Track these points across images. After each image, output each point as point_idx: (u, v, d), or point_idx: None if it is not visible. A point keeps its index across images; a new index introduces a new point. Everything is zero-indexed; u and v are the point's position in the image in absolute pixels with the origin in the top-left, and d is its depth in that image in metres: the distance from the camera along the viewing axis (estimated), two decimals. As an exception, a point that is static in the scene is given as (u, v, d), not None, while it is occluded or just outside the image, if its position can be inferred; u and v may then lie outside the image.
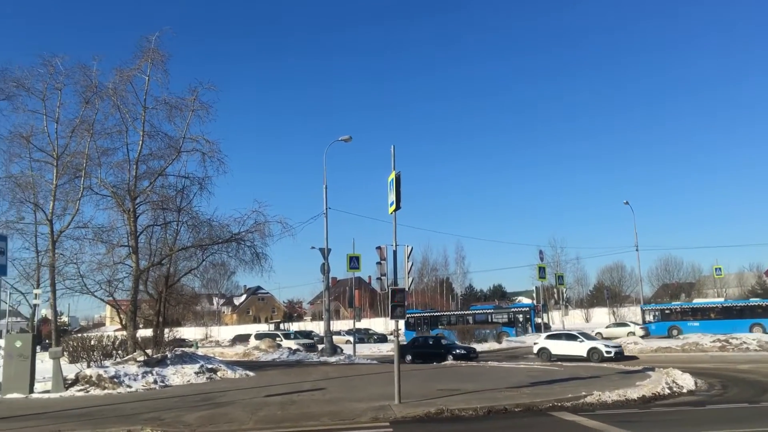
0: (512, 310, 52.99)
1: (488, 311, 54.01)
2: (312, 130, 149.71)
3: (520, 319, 49.66)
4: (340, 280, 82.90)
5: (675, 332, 43.83)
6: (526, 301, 76.82)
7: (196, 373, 20.74)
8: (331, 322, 36.11)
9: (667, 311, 47.71)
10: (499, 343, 44.08)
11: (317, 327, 65.04)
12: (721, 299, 49.25)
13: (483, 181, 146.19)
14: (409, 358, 31.01)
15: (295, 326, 67.91)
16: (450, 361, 29.62)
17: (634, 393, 14.37)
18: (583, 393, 14.11)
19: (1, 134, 23.23)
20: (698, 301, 49.59)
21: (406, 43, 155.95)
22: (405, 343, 34.97)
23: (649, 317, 47.95)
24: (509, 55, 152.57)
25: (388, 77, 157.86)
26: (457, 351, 31.29)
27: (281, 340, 39.02)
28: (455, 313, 56.27)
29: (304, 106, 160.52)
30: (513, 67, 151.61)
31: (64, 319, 71.10)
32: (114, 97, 23.83)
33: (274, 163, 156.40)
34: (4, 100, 22.61)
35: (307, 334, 56.22)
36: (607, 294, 71.80)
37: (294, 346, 35.18)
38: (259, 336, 38.92)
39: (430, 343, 32.86)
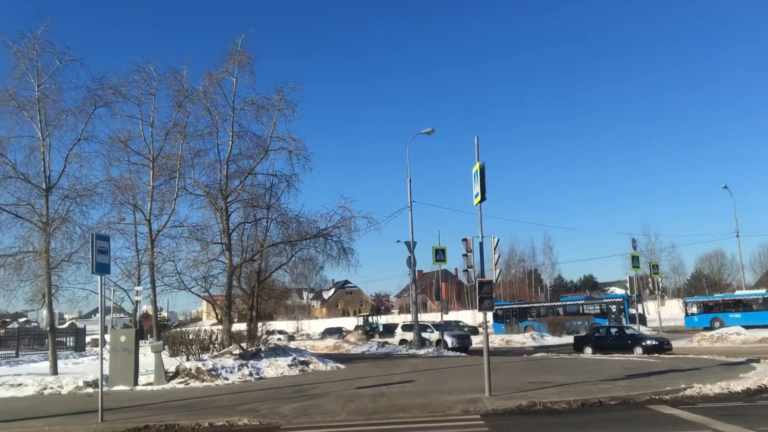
0: (605, 300, 51.49)
1: (579, 302, 52.70)
2: (393, 122, 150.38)
3: (614, 310, 48.19)
4: (426, 273, 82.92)
5: (717, 324, 42.96)
6: (619, 291, 74.44)
7: (289, 366, 21.27)
8: (419, 314, 36.19)
9: (710, 303, 47.35)
10: (592, 335, 42.95)
11: (405, 320, 65.33)
12: (764, 290, 47.18)
13: (570, 168, 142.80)
14: (589, 351, 28.56)
15: (383, 319, 68.44)
16: (638, 353, 26.56)
17: (737, 385, 13.66)
18: (683, 385, 13.54)
19: (101, 139, 24.51)
20: (740, 293, 47.76)
21: (484, 26, 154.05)
22: (582, 334, 33.92)
23: (692, 309, 47.71)
24: (588, 36, 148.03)
25: (465, 63, 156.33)
26: (648, 342, 27.52)
27: (432, 332, 36.90)
28: (544, 304, 55.26)
29: (384, 98, 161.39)
30: (595, 47, 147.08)
31: (164, 314, 74.40)
32: (204, 100, 24.80)
33: (357, 156, 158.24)
34: (102, 107, 23.84)
35: (396, 328, 56.67)
36: (706, 283, 68.61)
37: (450, 341, 34.23)
38: (406, 327, 37.63)
39: (614, 333, 29.63)
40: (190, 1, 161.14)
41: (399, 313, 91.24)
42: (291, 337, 60.61)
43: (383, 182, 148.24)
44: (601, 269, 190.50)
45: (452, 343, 34.09)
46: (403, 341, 36.28)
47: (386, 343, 36.78)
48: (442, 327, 36.15)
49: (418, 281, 43.48)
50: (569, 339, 37.26)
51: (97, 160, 24.55)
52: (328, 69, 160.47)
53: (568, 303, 53.24)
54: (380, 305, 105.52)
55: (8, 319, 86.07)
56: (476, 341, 37.44)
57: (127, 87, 24.80)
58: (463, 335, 37.57)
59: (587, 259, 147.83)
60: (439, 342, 34.33)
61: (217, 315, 27.93)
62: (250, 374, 19.75)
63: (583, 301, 52.85)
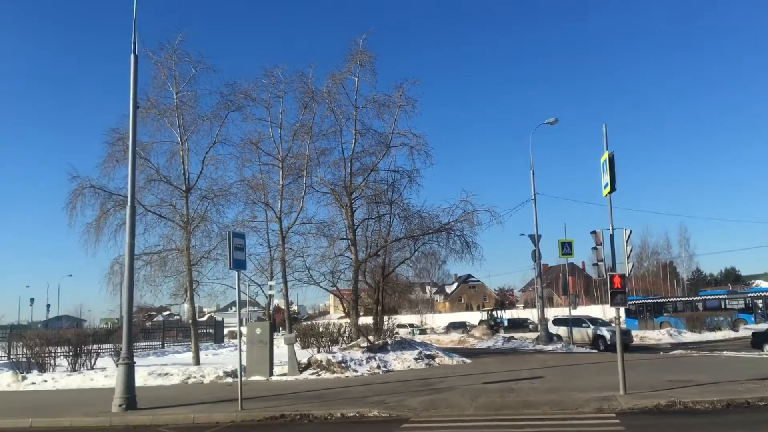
0: (750, 295, 47.90)
1: (721, 296, 49.33)
2: (514, 115, 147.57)
3: (760, 305, 44.77)
4: (552, 267, 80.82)
5: None
6: (765, 285, 69.13)
7: (415, 359, 21.47)
8: (545, 309, 35.35)
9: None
10: (735, 331, 40.11)
11: (530, 315, 64.11)
12: None
13: (705, 154, 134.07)
14: None
15: (507, 314, 67.50)
16: None
17: None
18: None
19: (235, 142, 25.76)
20: None
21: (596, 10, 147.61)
22: (764, 329, 30.16)
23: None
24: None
25: (587, 50, 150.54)
26: None
27: (587, 327, 34.59)
28: (682, 299, 52.23)
29: (501, 89, 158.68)
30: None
31: (294, 307, 77.32)
32: (328, 100, 25.55)
33: (477, 149, 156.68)
34: (235, 111, 25.05)
35: (522, 323, 55.65)
36: None
37: (608, 336, 31.69)
38: (559, 322, 35.77)
39: None
40: (312, 3, 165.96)
41: (524, 307, 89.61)
42: (423, 331, 61.23)
43: (506, 175, 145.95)
44: (744, 261, 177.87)
45: (611, 339, 31.49)
46: (556, 337, 33.89)
47: (512, 338, 36.23)
48: (598, 322, 33.67)
49: (544, 275, 42.50)
50: (710, 336, 35.12)
51: (231, 162, 25.86)
52: (441, 62, 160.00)
53: (708, 297, 49.98)
54: (504, 299, 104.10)
55: (153, 312, 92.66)
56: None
57: (257, 91, 25.93)
58: (624, 330, 34.51)
59: (729, 251, 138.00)
60: (598, 338, 31.53)
61: (344, 309, 28.66)
62: (378, 367, 20.12)
63: (725, 296, 49.43)
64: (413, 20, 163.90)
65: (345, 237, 26.07)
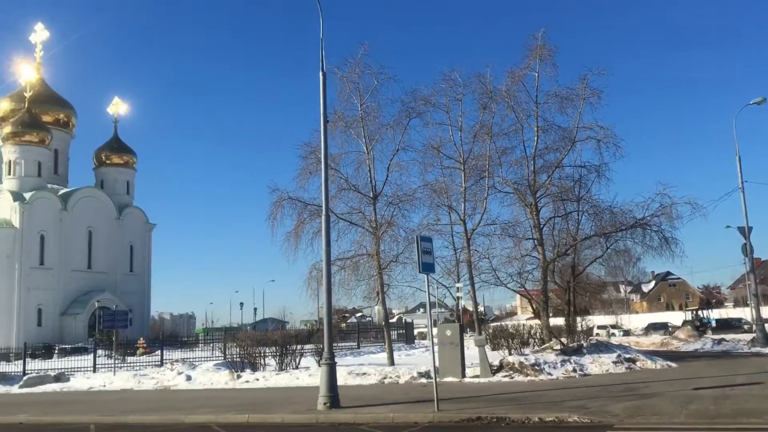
0: None
1: None
2: (713, 96, 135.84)
3: None
4: (765, 261, 73.25)
5: None
6: None
7: (614, 363, 20.44)
8: (761, 307, 32.09)
9: None
10: None
11: (742, 314, 58.69)
12: None
13: None
14: None
15: (714, 313, 62.16)
16: None
17: None
18: None
19: (416, 148, 26.29)
20: None
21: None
22: None
23: None
24: None
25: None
26: None
27: None
28: None
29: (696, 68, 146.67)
30: None
31: (480, 309, 77.15)
32: (508, 99, 25.26)
33: (671, 137, 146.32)
34: (416, 118, 25.58)
35: (733, 323, 51.21)
36: None
37: None
38: None
39: None
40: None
41: (734, 306, 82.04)
42: (626, 332, 58.54)
43: (705, 164, 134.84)
44: None
45: None
46: None
47: (723, 339, 33.29)
48: None
49: (758, 270, 38.63)
50: None
51: (414, 168, 26.43)
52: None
53: None
54: (710, 298, 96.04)
55: (347, 314, 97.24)
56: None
57: (436, 96, 26.26)
58: None
59: None
60: None
61: (533, 310, 28.10)
62: (574, 370, 19.42)
63: None
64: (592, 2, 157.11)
65: (531, 237, 25.58)
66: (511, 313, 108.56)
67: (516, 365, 19.51)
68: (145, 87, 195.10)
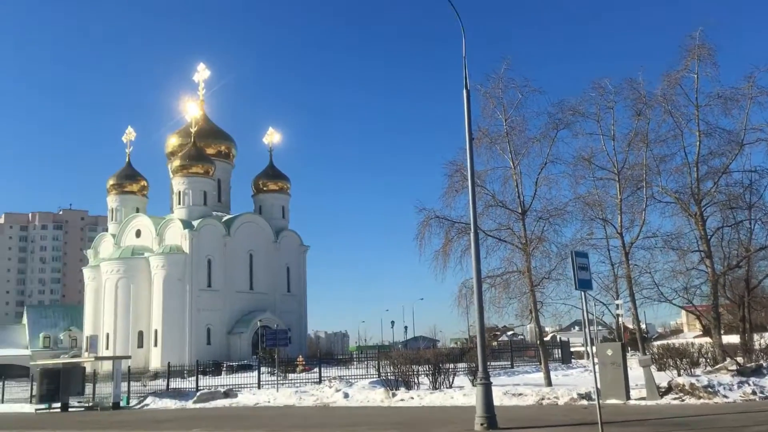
0: None
1: None
2: None
3: None
4: None
5: None
6: None
7: (802, 385, 18.45)
8: None
9: None
10: None
11: None
12: None
13: None
14: None
15: None
16: None
17: None
18: None
19: (566, 160, 25.41)
20: None
21: None
22: None
23: None
24: None
25: None
26: None
27: None
28: None
29: None
30: None
31: (642, 326, 73.03)
32: (664, 103, 23.85)
33: None
34: (564, 129, 24.77)
35: None
36: None
37: None
38: None
39: None
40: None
41: None
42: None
43: None
44: None
45: None
46: None
47: None
48: None
49: None
50: None
51: (564, 180, 25.55)
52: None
53: None
54: None
55: (498, 332, 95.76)
56: None
57: (585, 105, 25.29)
58: None
59: None
60: None
61: (702, 327, 26.14)
62: (753, 393, 17.73)
63: None
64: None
65: (697, 249, 23.86)
66: (677, 331, 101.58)
67: (686, 387, 18.16)
68: (295, 117, 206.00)
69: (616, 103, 25.36)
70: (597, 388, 13.94)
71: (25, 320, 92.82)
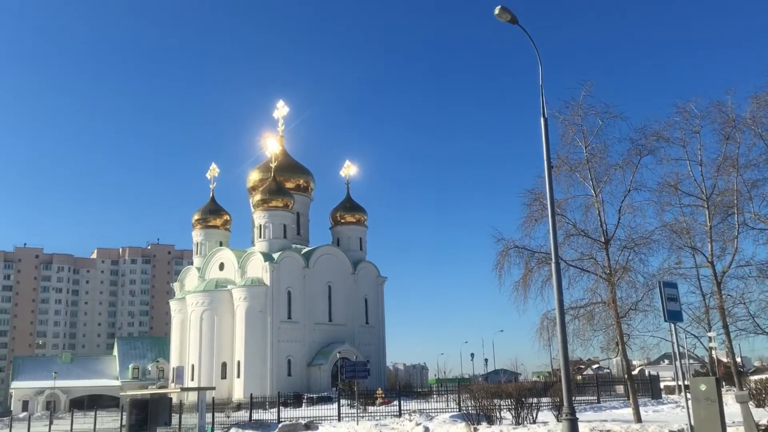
0: None
1: None
2: None
3: None
4: None
5: None
6: None
7: None
8: None
9: None
10: None
11: None
12: None
13: None
14: None
15: None
16: None
17: None
18: None
19: (650, 187, 24.59)
20: None
21: None
22: None
23: None
24: None
25: None
26: None
27: None
28: None
29: None
30: None
31: (738, 360, 69.21)
32: (754, 126, 22.86)
33: None
34: (647, 155, 24.05)
35: None
36: None
37: None
38: None
39: None
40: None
41: None
42: None
43: None
44: None
45: None
46: None
47: None
48: None
49: None
50: None
51: (649, 208, 24.69)
52: None
53: None
54: None
55: (583, 366, 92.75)
56: None
57: (669, 130, 24.52)
58: None
59: None
60: None
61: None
62: None
63: None
64: None
65: (795, 277, 22.52)
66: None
67: (792, 425, 17.05)
68: (371, 149, 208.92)
69: (703, 128, 24.47)
70: (691, 425, 13.28)
71: (115, 351, 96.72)
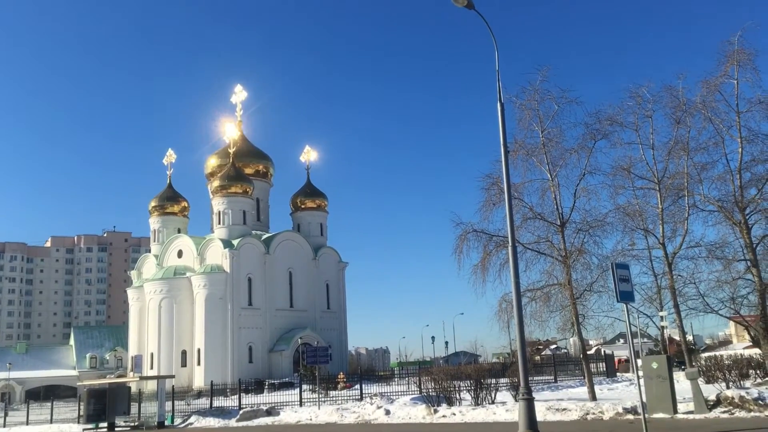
0: None
1: None
2: None
3: None
4: None
5: None
6: None
7: None
8: None
9: None
10: None
11: None
12: None
13: None
14: None
15: None
16: None
17: None
18: None
19: (604, 170, 25.13)
20: None
21: None
22: None
23: None
24: None
25: None
26: None
27: None
28: None
29: None
30: None
31: (689, 338, 71.27)
32: (704, 110, 23.49)
33: None
34: (601, 140, 24.52)
35: None
36: None
37: None
38: None
39: None
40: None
41: None
42: None
43: None
44: None
45: None
46: None
47: None
48: None
49: None
50: None
51: (603, 191, 25.24)
52: None
53: None
54: None
55: (540, 347, 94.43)
56: None
57: (623, 115, 25.07)
58: None
59: None
60: None
61: (752, 337, 25.39)
62: (807, 406, 17.19)
63: None
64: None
65: (743, 258, 23.29)
66: (725, 342, 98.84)
67: (736, 400, 17.70)
68: (331, 135, 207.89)
69: (655, 112, 25.07)
70: (643, 402, 13.71)
71: (72, 341, 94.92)
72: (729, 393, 18.30)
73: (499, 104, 16.06)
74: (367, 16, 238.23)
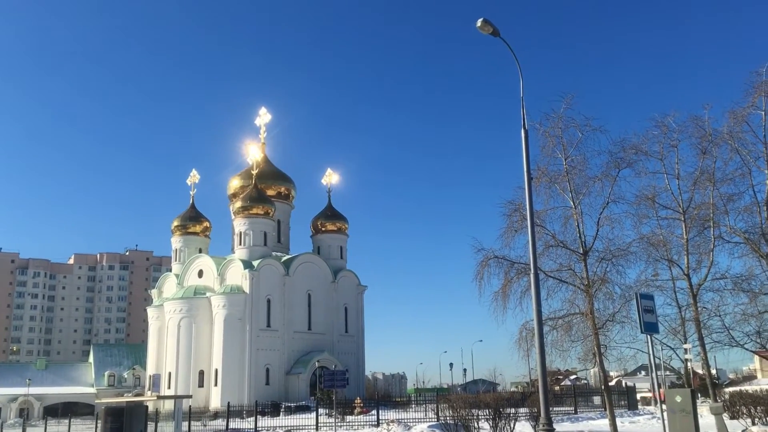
0: None
1: None
2: None
3: None
4: None
5: None
6: None
7: None
8: None
9: None
10: None
11: None
12: None
13: None
14: None
15: None
16: None
17: None
18: None
19: (629, 199, 24.83)
20: None
21: None
22: None
23: None
24: None
25: None
26: None
27: None
28: None
29: None
30: None
31: (713, 372, 69.82)
32: (730, 141, 23.24)
33: None
34: (626, 168, 24.28)
35: None
36: None
37: None
38: None
39: None
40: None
41: None
42: None
43: None
44: None
45: None
46: None
47: None
48: None
49: None
50: None
51: (627, 220, 24.90)
52: None
53: None
54: None
55: (560, 377, 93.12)
56: None
57: (648, 144, 24.81)
58: None
59: None
60: None
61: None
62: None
63: None
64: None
65: (768, 291, 22.83)
66: (750, 377, 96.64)
67: (763, 437, 17.27)
68: (353, 159, 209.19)
69: (680, 142, 24.81)
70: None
71: (91, 358, 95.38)
72: (755, 429, 17.91)
73: (523, 131, 16.05)
74: (390, 47, 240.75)
